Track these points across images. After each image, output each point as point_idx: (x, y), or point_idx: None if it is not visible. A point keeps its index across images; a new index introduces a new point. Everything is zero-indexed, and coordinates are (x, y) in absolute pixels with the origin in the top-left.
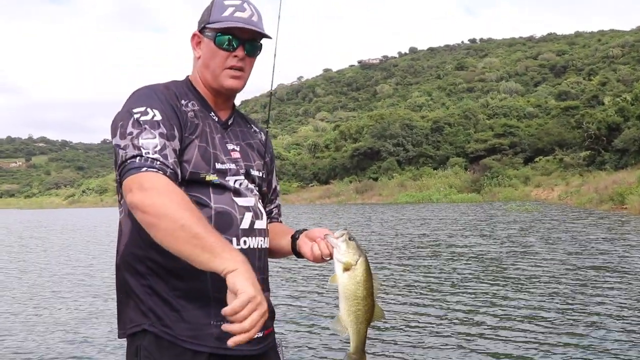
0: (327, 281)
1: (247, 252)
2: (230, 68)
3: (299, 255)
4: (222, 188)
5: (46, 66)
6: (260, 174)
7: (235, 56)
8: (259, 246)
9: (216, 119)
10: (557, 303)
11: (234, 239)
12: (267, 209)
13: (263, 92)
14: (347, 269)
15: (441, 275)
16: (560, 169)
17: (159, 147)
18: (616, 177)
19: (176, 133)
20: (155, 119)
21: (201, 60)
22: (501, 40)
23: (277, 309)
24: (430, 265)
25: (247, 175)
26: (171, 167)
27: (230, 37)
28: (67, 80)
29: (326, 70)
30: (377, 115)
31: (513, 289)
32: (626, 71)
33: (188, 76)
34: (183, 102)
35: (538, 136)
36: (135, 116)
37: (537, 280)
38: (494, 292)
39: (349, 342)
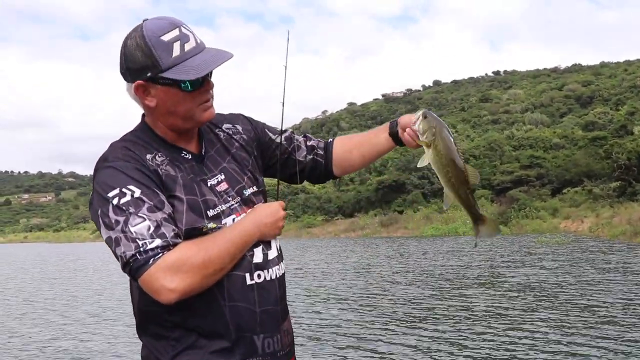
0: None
1: (264, 286)
2: (203, 102)
3: (401, 145)
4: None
5: (75, 101)
6: (254, 188)
7: (206, 90)
8: (276, 276)
9: (189, 157)
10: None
11: (247, 275)
12: (303, 155)
13: (287, 126)
14: (428, 146)
15: (489, 311)
16: (590, 200)
17: (152, 228)
18: None
19: (162, 197)
20: (136, 195)
21: (161, 108)
22: (525, 72)
23: (298, 332)
24: (474, 300)
25: (244, 202)
26: (172, 242)
27: (201, 78)
28: (96, 114)
29: (350, 104)
30: (402, 148)
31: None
32: None
33: (144, 117)
34: (148, 157)
35: (565, 167)
36: (114, 202)
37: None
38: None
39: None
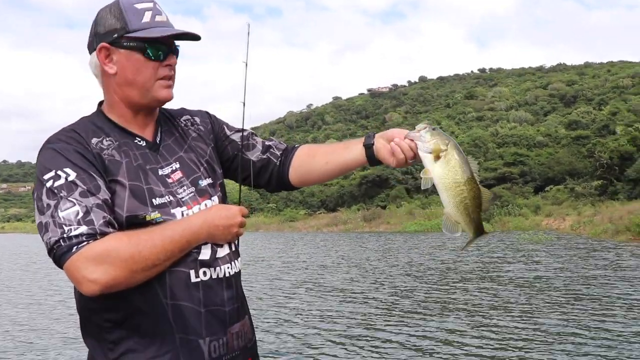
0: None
1: (210, 285)
2: (163, 78)
3: (374, 162)
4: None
5: (60, 90)
6: (209, 180)
7: (168, 65)
8: (225, 274)
9: (143, 144)
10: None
11: (192, 272)
12: (257, 155)
13: (272, 119)
14: (437, 156)
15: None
16: (572, 198)
17: (81, 214)
18: (631, 207)
19: (99, 182)
20: (70, 179)
21: (119, 76)
22: (511, 70)
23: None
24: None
25: (199, 193)
26: (99, 230)
27: (161, 45)
28: (80, 103)
29: (336, 98)
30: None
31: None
32: (637, 101)
33: (100, 105)
34: (94, 141)
35: (548, 165)
36: (47, 185)
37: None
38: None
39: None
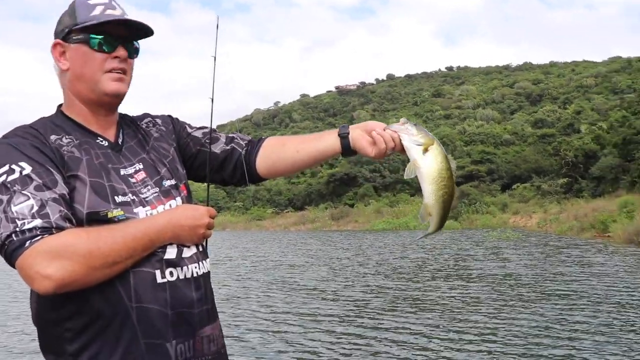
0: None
1: (177, 285)
2: (111, 71)
3: (348, 154)
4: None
5: (22, 86)
6: (172, 182)
7: (116, 57)
8: (193, 274)
9: (105, 144)
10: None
11: (157, 272)
12: (220, 147)
13: (239, 116)
14: (426, 149)
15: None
16: (538, 196)
17: (36, 208)
18: (595, 205)
19: (56, 176)
20: (25, 173)
21: (71, 71)
22: (478, 69)
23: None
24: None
25: (163, 193)
26: (55, 224)
27: (108, 37)
28: (44, 100)
29: (303, 96)
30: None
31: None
32: (600, 100)
33: (59, 106)
34: (53, 137)
35: (515, 163)
36: (1, 179)
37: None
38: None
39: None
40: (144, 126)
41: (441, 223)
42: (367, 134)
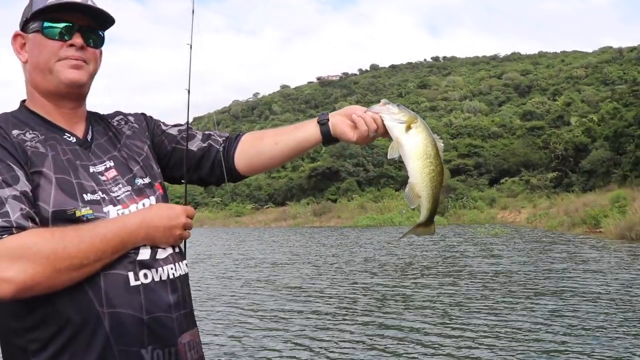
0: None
1: (152, 288)
2: (66, 59)
3: (329, 141)
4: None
5: None
6: (147, 180)
7: (72, 45)
8: (169, 276)
9: (73, 140)
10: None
11: (130, 274)
12: (197, 144)
13: (217, 108)
14: (409, 127)
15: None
16: (527, 190)
17: None
18: (586, 200)
19: (18, 172)
20: None
21: (29, 63)
22: (465, 59)
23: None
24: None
25: (136, 192)
26: (15, 224)
27: (66, 25)
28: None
29: (283, 87)
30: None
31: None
32: (590, 92)
33: (23, 102)
34: (15, 132)
35: (503, 157)
36: None
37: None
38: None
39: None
40: (115, 124)
41: (432, 206)
42: (347, 118)
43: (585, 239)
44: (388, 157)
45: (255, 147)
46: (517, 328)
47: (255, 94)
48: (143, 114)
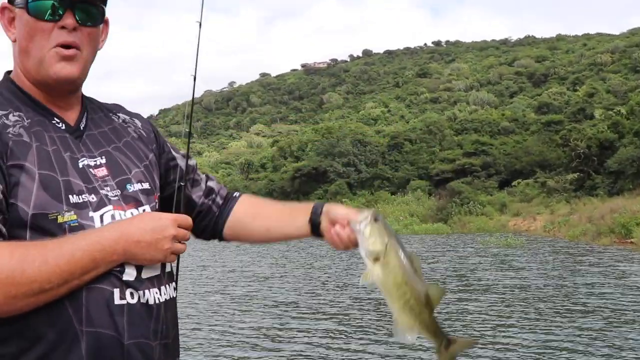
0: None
1: (137, 311)
2: (58, 46)
3: (318, 236)
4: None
5: None
6: (146, 185)
7: (63, 27)
8: (156, 300)
9: (62, 126)
10: None
11: (116, 291)
12: (198, 195)
13: (186, 99)
14: (377, 259)
15: None
16: (543, 194)
17: None
18: (613, 205)
19: None
20: None
21: (18, 43)
22: (471, 44)
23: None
24: None
25: (124, 198)
26: None
27: (54, 1)
28: None
29: (263, 75)
30: (324, 128)
31: None
32: (617, 80)
33: (8, 73)
34: None
35: (515, 155)
36: None
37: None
38: None
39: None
40: (119, 120)
41: (432, 330)
42: (331, 225)
43: (615, 251)
44: (361, 283)
45: (246, 226)
46: (546, 350)
47: (231, 83)
48: (149, 123)
